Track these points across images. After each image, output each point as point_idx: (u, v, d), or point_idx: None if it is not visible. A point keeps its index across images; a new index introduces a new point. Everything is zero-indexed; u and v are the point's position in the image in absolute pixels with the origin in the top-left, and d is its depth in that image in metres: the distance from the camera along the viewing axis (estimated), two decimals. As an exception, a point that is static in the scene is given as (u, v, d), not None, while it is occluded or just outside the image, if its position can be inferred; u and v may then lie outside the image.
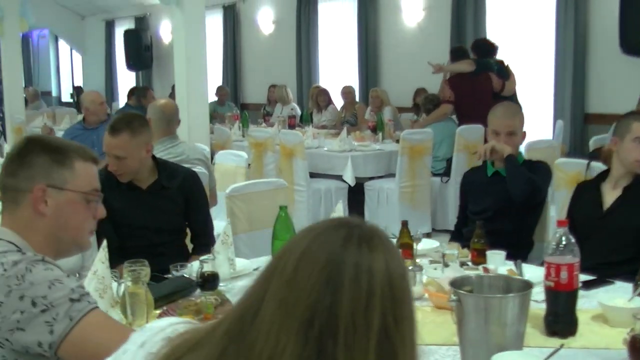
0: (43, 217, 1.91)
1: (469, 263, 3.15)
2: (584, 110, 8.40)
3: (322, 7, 11.32)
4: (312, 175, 7.27)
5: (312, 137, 7.92)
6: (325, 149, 7.59)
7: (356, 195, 7.55)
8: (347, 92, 9.79)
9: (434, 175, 7.38)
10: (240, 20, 12.79)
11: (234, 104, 11.75)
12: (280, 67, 11.88)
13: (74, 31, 17.01)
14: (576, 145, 8.28)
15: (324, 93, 10.15)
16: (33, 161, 1.93)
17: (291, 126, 9.20)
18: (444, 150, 7.45)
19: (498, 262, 2.97)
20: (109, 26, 16.08)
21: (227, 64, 12.97)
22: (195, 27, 7.49)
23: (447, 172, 7.43)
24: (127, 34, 14.47)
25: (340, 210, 3.28)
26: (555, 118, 8.53)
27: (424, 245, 3.31)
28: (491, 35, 9.12)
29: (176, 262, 2.85)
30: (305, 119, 9.37)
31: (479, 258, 3.13)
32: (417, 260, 2.97)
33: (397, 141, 7.82)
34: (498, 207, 3.69)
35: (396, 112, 9.20)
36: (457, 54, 7.82)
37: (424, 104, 7.79)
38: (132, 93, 10.06)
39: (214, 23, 13.15)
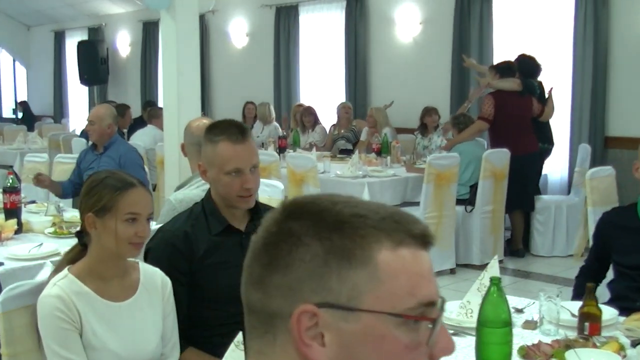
0: None
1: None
2: (604, 132, 7.79)
3: (303, 19, 10.51)
4: (323, 204, 6.43)
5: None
6: (333, 174, 6.76)
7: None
8: (346, 107, 9.02)
9: (457, 202, 6.64)
10: (210, 33, 11.88)
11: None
12: (256, 83, 11.01)
13: (18, 42, 15.81)
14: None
15: (310, 112, 9.31)
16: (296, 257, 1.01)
17: (282, 148, 8.36)
18: (468, 174, 6.71)
19: None
20: (59, 37, 14.95)
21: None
22: (189, 37, 6.62)
23: (471, 200, 6.70)
24: (81, 45, 13.39)
25: (495, 267, 2.49)
26: (572, 141, 7.90)
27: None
28: (499, 50, 8.48)
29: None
30: (296, 140, 8.52)
31: None
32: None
33: (414, 165, 7.12)
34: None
35: (395, 134, 8.44)
36: (504, 70, 7.10)
37: (456, 124, 7.05)
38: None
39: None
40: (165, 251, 2.45)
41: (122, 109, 8.58)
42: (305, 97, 10.51)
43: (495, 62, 8.28)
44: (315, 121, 9.34)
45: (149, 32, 12.79)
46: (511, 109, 6.86)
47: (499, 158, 6.69)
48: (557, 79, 7.95)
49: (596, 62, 7.68)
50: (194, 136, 3.53)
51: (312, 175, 6.25)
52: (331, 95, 10.00)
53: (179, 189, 3.50)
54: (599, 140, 7.68)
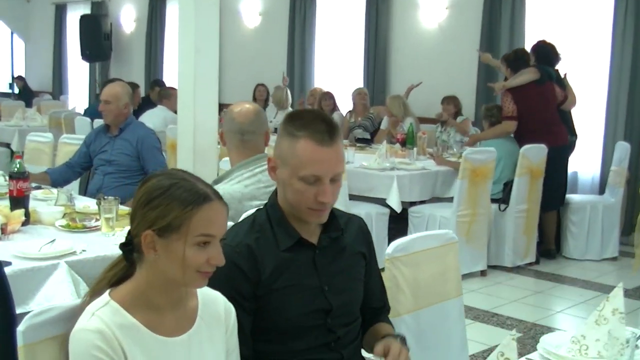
0: None
1: None
2: (642, 131, 7.35)
3: (321, 1, 10.01)
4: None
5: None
6: (358, 165, 6.30)
7: (398, 223, 6.32)
8: (362, 93, 8.54)
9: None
10: (220, 11, 11.31)
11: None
12: (268, 65, 10.50)
13: (17, 14, 15.23)
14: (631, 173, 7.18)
15: (329, 97, 8.85)
16: None
17: (298, 135, 7.89)
18: (499, 171, 6.25)
19: None
20: (60, 10, 14.37)
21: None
22: (208, 10, 6.14)
23: (505, 199, 6.25)
24: (84, 20, 12.84)
25: (620, 297, 2.05)
26: (606, 139, 7.46)
27: None
28: (531, 38, 7.98)
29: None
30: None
31: None
32: None
33: (433, 157, 6.67)
34: None
35: (418, 124, 7.95)
36: (517, 62, 6.61)
37: (488, 116, 6.57)
38: (104, 86, 8.52)
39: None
40: (225, 271, 1.86)
41: (130, 88, 8.07)
42: (320, 81, 10.02)
43: (526, 52, 7.85)
44: (334, 107, 8.87)
45: (155, 8, 12.26)
46: (533, 101, 6.41)
47: (536, 153, 6.25)
48: (593, 72, 7.51)
49: (636, 55, 7.24)
50: (236, 123, 3.07)
51: (339, 167, 5.78)
52: (348, 81, 9.51)
53: (216, 183, 3.04)
54: (635, 138, 7.23)
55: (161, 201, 1.71)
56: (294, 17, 10.22)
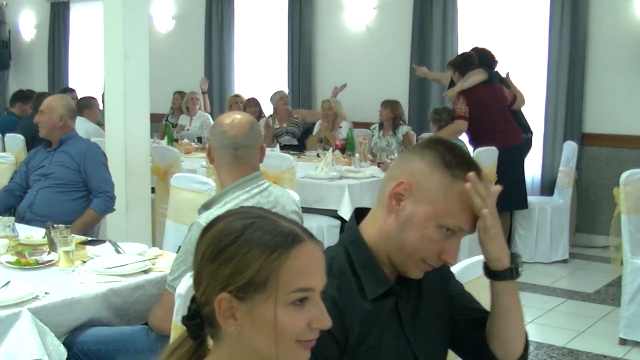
0: None
1: None
2: (581, 129, 7.24)
3: (239, 1, 9.58)
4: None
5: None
6: (303, 175, 5.90)
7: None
8: (285, 97, 8.21)
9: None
10: (104, 15, 10.70)
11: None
12: (184, 72, 9.97)
13: None
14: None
15: (254, 103, 8.40)
16: None
17: (228, 144, 7.45)
18: (453, 177, 5.97)
19: None
20: (-50, 17, 13.39)
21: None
22: (138, 13, 5.64)
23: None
24: (-22, 27, 11.96)
25: None
26: (546, 139, 7.33)
27: None
28: (465, 40, 7.82)
29: None
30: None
31: None
32: None
33: (379, 164, 6.36)
34: None
35: (353, 128, 7.61)
36: (465, 64, 6.41)
37: (437, 120, 6.29)
38: (16, 98, 7.88)
39: (91, 17, 11.08)
40: None
41: (40, 99, 7.42)
42: (241, 87, 9.59)
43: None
44: (260, 114, 8.43)
45: (57, 13, 11.52)
46: (485, 100, 6.26)
47: (487, 156, 6.03)
48: (530, 71, 7.37)
49: (573, 53, 7.13)
50: (228, 136, 2.63)
51: (290, 177, 5.38)
52: (271, 86, 9.10)
53: (206, 208, 2.59)
54: (576, 138, 7.12)
55: (236, 250, 1.27)
56: (210, 20, 9.74)
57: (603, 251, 6.99)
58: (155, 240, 5.92)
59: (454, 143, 1.79)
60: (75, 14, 11.32)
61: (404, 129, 7.27)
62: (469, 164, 1.66)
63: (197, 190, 3.97)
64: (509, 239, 6.59)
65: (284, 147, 7.79)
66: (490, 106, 6.22)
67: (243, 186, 2.60)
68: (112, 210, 4.35)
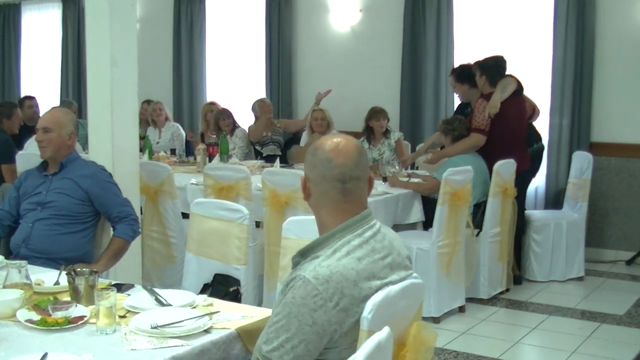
0: None
1: None
2: (589, 139, 6.84)
3: (211, 3, 8.96)
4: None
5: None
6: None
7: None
8: (268, 104, 7.61)
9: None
10: (87, 18, 10.00)
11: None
12: (151, 80, 9.28)
13: None
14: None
15: (228, 115, 7.63)
16: None
17: (212, 156, 6.86)
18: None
19: None
20: None
21: (69, 73, 10.13)
22: (126, 16, 5.07)
23: (478, 222, 5.52)
24: None
25: None
26: (550, 149, 6.91)
27: None
28: (461, 45, 7.36)
29: None
30: (224, 148, 6.94)
31: None
32: None
33: (384, 179, 5.85)
34: None
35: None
36: (497, 69, 5.82)
37: (449, 130, 5.75)
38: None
39: (50, 20, 10.34)
40: None
41: (8, 109, 6.69)
42: (214, 95, 8.96)
43: (455, 60, 7.19)
44: (234, 126, 7.75)
45: (8, 18, 10.71)
46: (509, 113, 5.72)
47: (507, 170, 5.57)
48: (532, 77, 6.92)
49: (579, 59, 6.74)
50: (334, 165, 2.05)
51: (299, 196, 4.83)
52: (247, 94, 8.51)
53: (304, 256, 2.02)
54: (583, 147, 6.72)
55: None
56: (179, 22, 9.12)
57: (613, 266, 6.64)
58: (143, 266, 5.31)
59: None
60: (28, 18, 10.57)
61: (396, 135, 6.80)
62: None
63: (227, 218, 3.40)
64: (520, 257, 6.16)
65: (267, 158, 7.24)
66: (513, 120, 5.71)
67: (353, 228, 2.03)
68: (139, 233, 3.74)
